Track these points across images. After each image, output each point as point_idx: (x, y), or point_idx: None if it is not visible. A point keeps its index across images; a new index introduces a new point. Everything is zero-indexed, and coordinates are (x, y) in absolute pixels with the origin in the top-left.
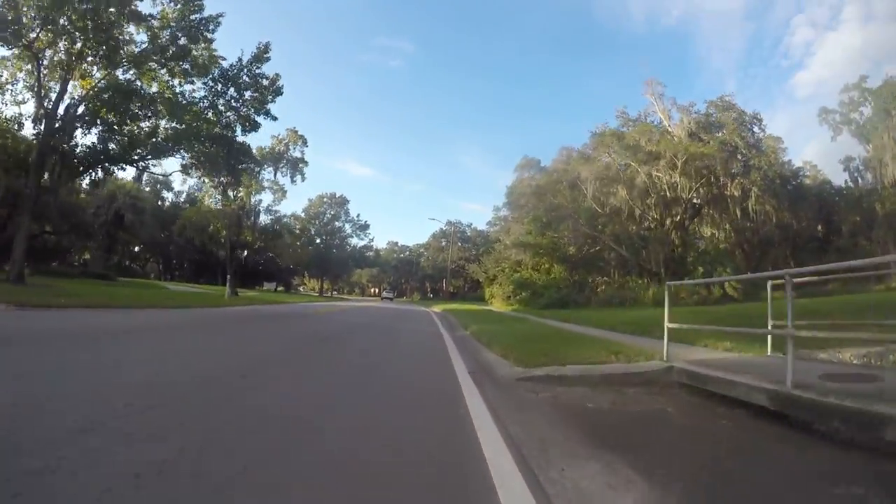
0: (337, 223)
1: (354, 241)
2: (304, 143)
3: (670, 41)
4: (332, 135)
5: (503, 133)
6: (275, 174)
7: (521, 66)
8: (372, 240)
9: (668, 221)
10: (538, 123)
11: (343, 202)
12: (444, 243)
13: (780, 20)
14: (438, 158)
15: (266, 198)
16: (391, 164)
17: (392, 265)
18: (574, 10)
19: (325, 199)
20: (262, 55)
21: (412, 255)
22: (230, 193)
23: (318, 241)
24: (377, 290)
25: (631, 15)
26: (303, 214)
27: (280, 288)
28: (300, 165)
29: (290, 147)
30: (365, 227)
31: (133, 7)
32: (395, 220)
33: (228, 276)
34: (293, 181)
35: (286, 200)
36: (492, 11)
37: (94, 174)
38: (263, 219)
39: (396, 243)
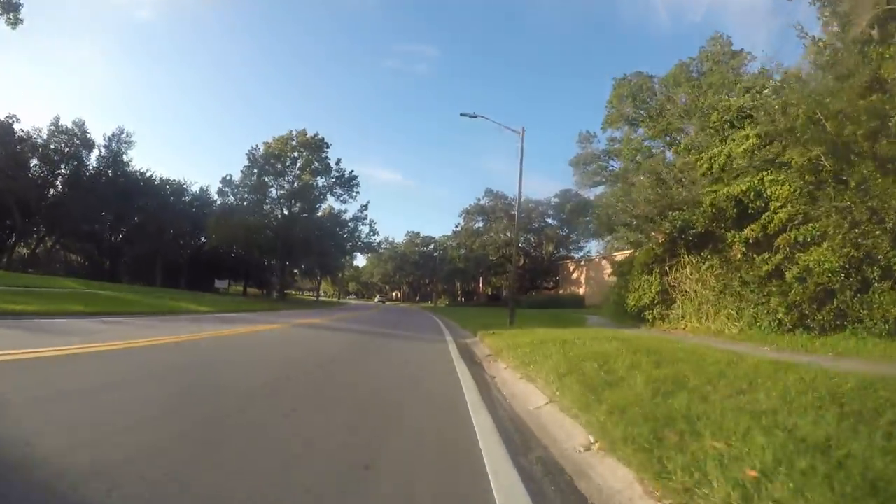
0: (307, 177)
1: (334, 203)
2: None
3: (695, 38)
4: (359, 140)
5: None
6: None
7: (544, 70)
8: (365, 207)
9: None
10: (561, 131)
11: (320, 146)
12: (479, 225)
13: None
14: (464, 163)
15: None
16: (417, 168)
17: (412, 261)
18: (599, 12)
19: (291, 141)
20: None
21: (438, 247)
22: None
23: (276, 201)
24: (398, 294)
25: (657, 11)
26: (246, 162)
27: (255, 290)
28: None
29: None
30: (350, 181)
31: None
32: (420, 224)
33: None
34: None
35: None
36: (515, 14)
37: None
38: None
39: (418, 234)
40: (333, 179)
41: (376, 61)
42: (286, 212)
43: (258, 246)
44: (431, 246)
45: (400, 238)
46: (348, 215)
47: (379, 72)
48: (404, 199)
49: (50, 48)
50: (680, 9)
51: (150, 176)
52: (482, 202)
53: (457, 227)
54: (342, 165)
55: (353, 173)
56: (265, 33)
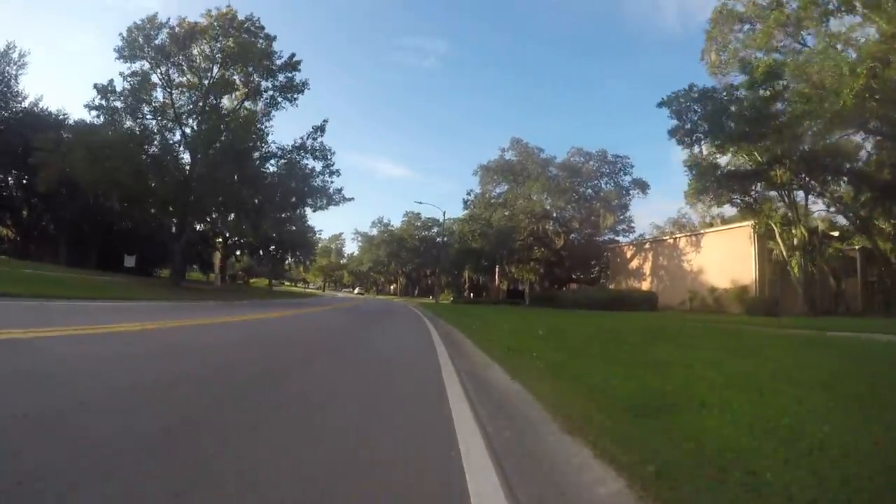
0: (237, 77)
1: (254, 107)
2: None
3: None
4: (367, 133)
5: (531, 134)
6: None
7: (549, 65)
8: (320, 129)
9: None
10: (564, 125)
11: (257, 32)
12: (497, 190)
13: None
14: (471, 158)
15: None
16: (423, 163)
17: (409, 246)
18: (605, 9)
19: (212, 28)
20: None
21: (443, 231)
22: None
23: (174, 119)
24: (395, 287)
25: (662, 12)
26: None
27: (215, 275)
28: None
29: None
30: (288, 70)
31: None
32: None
33: None
34: None
35: None
36: (523, 11)
37: None
38: None
39: (418, 215)
40: (254, 68)
41: (385, 54)
42: (189, 131)
43: (118, 185)
44: (435, 230)
45: (397, 221)
46: (278, 135)
47: (385, 66)
48: (411, 194)
49: None
50: (687, 10)
51: (59, 116)
52: (506, 156)
53: (468, 194)
54: (279, 48)
55: (296, 59)
56: (275, 21)
